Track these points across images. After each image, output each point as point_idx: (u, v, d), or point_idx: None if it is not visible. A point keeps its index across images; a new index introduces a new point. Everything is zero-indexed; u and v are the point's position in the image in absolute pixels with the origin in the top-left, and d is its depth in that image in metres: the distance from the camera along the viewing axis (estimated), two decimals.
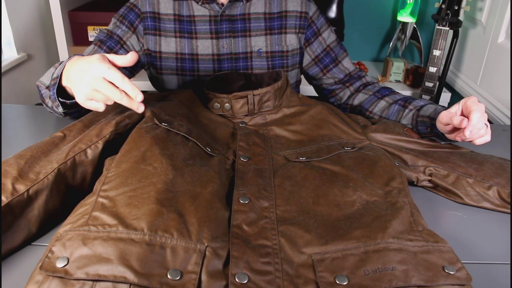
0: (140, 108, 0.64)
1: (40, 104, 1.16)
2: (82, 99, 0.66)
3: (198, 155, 0.70)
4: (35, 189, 0.61)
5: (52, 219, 0.64)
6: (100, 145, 0.69)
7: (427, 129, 0.84)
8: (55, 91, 0.74)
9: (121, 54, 0.98)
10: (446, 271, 0.52)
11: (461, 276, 0.51)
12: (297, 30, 1.03)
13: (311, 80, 1.13)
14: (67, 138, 0.71)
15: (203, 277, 0.50)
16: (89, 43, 1.75)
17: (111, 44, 0.97)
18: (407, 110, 0.92)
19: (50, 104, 0.85)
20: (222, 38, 1.00)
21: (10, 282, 0.54)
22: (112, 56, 0.66)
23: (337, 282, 0.50)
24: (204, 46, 1.00)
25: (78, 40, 1.80)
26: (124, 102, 0.63)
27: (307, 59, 1.07)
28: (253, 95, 0.82)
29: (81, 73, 0.64)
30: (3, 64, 1.60)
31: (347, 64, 1.07)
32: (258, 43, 1.01)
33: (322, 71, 1.07)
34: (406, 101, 0.94)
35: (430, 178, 0.77)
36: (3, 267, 0.56)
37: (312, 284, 0.50)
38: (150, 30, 0.99)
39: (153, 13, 0.98)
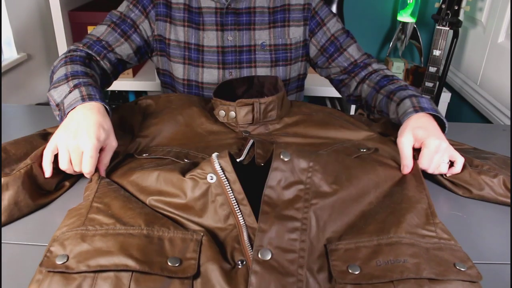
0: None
1: (40, 104, 1.16)
2: (52, 145, 0.68)
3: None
4: (7, 181, 0.63)
5: (22, 216, 0.65)
6: None
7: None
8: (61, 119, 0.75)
9: (134, 39, 0.99)
10: (457, 267, 0.52)
11: (472, 273, 0.52)
12: (302, 22, 1.03)
13: (321, 71, 1.11)
14: (49, 137, 0.72)
15: (202, 260, 0.51)
16: None
17: (125, 28, 0.98)
18: (392, 103, 0.88)
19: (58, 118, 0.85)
20: (227, 31, 1.01)
21: (10, 282, 0.54)
22: (104, 155, 0.70)
23: (350, 271, 0.51)
24: (210, 38, 1.01)
25: (78, 40, 1.79)
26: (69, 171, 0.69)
27: (313, 50, 1.07)
28: (259, 103, 0.81)
29: (75, 128, 0.67)
30: (3, 64, 1.60)
31: (353, 51, 1.04)
32: (262, 36, 1.02)
33: (327, 61, 1.06)
34: (391, 92, 0.90)
35: None
36: (3, 267, 0.56)
37: (326, 271, 0.52)
38: (161, 17, 1.00)
39: (165, 0, 1.00)
